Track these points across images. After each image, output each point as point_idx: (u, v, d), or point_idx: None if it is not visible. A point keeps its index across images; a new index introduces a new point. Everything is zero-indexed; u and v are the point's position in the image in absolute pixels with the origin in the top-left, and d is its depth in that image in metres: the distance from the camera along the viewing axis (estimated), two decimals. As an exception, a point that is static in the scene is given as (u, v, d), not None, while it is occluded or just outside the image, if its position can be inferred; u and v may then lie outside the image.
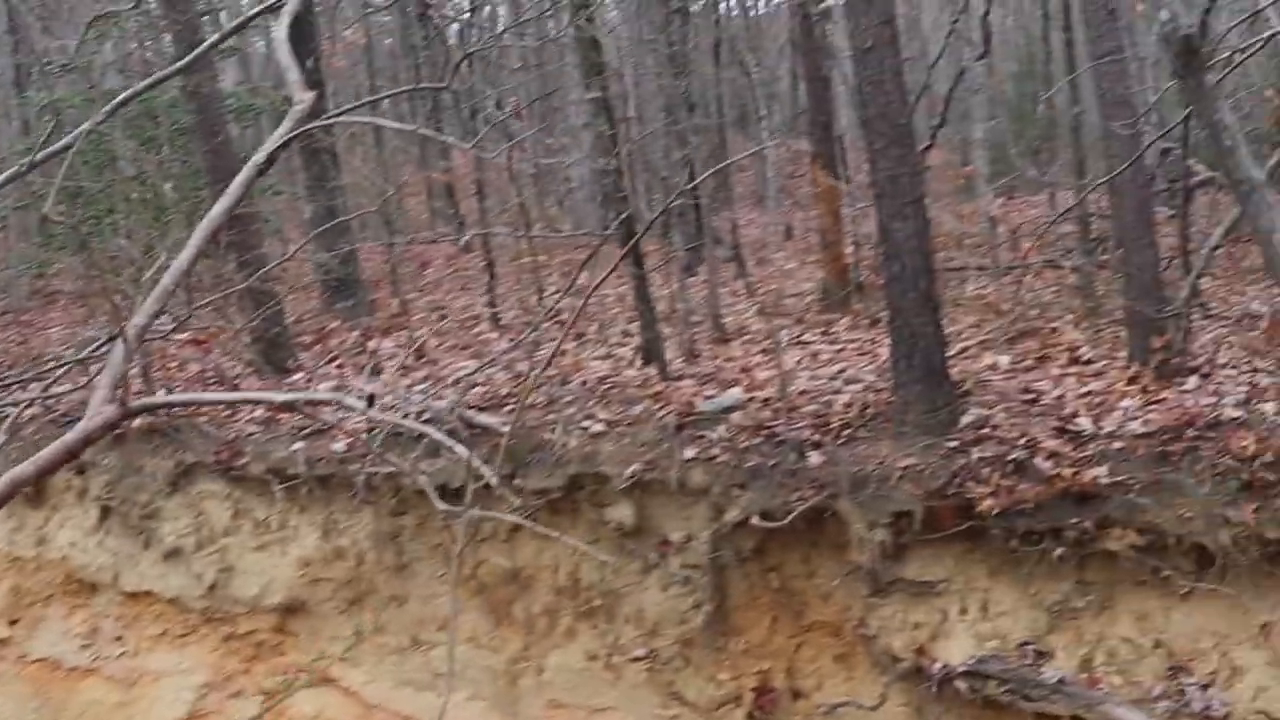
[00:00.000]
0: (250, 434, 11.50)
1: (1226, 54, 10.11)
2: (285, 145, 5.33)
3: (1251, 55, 9.32)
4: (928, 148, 15.90)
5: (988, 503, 8.57)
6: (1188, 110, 12.16)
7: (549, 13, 17.87)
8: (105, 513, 12.22)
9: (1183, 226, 12.31)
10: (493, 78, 22.92)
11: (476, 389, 11.24)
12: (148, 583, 12.00)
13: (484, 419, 10.42)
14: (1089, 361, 10.32)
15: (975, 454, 8.85)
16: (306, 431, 11.09)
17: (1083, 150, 15.19)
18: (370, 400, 5.36)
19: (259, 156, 5.14)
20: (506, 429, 10.06)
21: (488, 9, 28.25)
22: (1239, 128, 4.90)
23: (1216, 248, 9.85)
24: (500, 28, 29.68)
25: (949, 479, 8.79)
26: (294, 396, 6.47)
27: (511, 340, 12.73)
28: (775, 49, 29.83)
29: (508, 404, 10.85)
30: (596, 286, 4.91)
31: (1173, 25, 4.53)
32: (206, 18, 19.41)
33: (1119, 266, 10.59)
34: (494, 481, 5.06)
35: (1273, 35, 9.16)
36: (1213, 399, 8.95)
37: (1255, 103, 15.24)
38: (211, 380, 12.92)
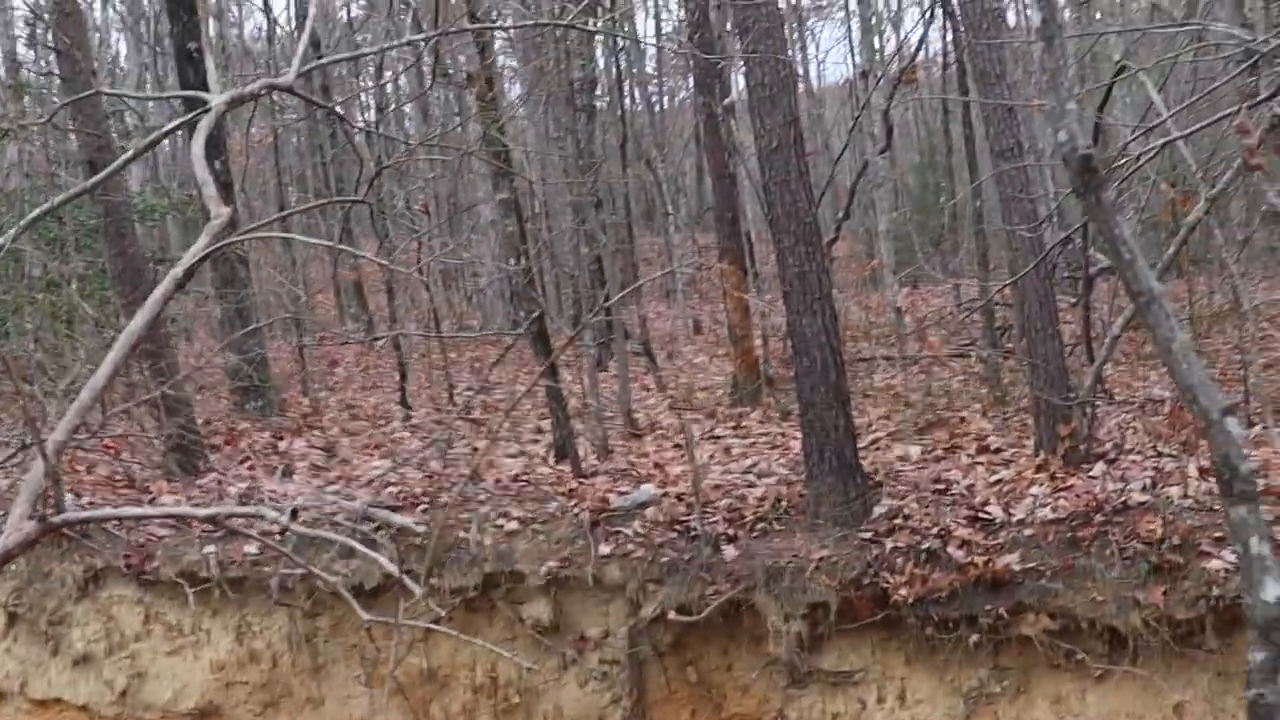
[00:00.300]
0: (161, 537, 11.34)
1: (1125, 160, 10.46)
2: (203, 259, 5.35)
3: (1149, 161, 9.60)
4: (833, 240, 16.16)
5: (903, 592, 8.67)
6: (1086, 202, 12.47)
7: (458, 125, 18.02)
8: (12, 619, 11.95)
9: (1084, 314, 12.58)
10: (402, 178, 23.03)
11: (390, 488, 11.21)
12: (57, 690, 11.72)
13: (399, 519, 10.36)
14: (998, 450, 10.50)
15: (889, 544, 8.96)
16: (218, 534, 10.95)
17: (985, 241, 15.49)
18: (294, 514, 5.36)
19: (177, 271, 5.16)
20: (422, 529, 10.04)
21: (392, 105, 28.34)
22: (1137, 240, 5.10)
23: (1118, 336, 10.07)
24: (408, 124, 29.85)
25: (864, 569, 8.88)
26: (216, 511, 6.45)
27: (424, 438, 12.71)
28: (680, 144, 30.22)
29: (422, 503, 10.81)
30: (518, 401, 4.96)
31: (1071, 145, 4.71)
32: (112, 119, 19.36)
33: (1024, 356, 10.81)
34: (419, 593, 5.08)
35: (1167, 143, 9.45)
36: (1120, 484, 9.13)
37: (1150, 194, 15.65)
38: (121, 483, 12.75)
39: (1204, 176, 10.07)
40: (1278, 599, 5.00)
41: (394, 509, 10.69)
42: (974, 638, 8.63)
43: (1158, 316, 4.85)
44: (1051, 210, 12.00)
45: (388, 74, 25.26)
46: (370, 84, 26.80)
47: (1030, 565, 8.56)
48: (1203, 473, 9.14)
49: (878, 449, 10.87)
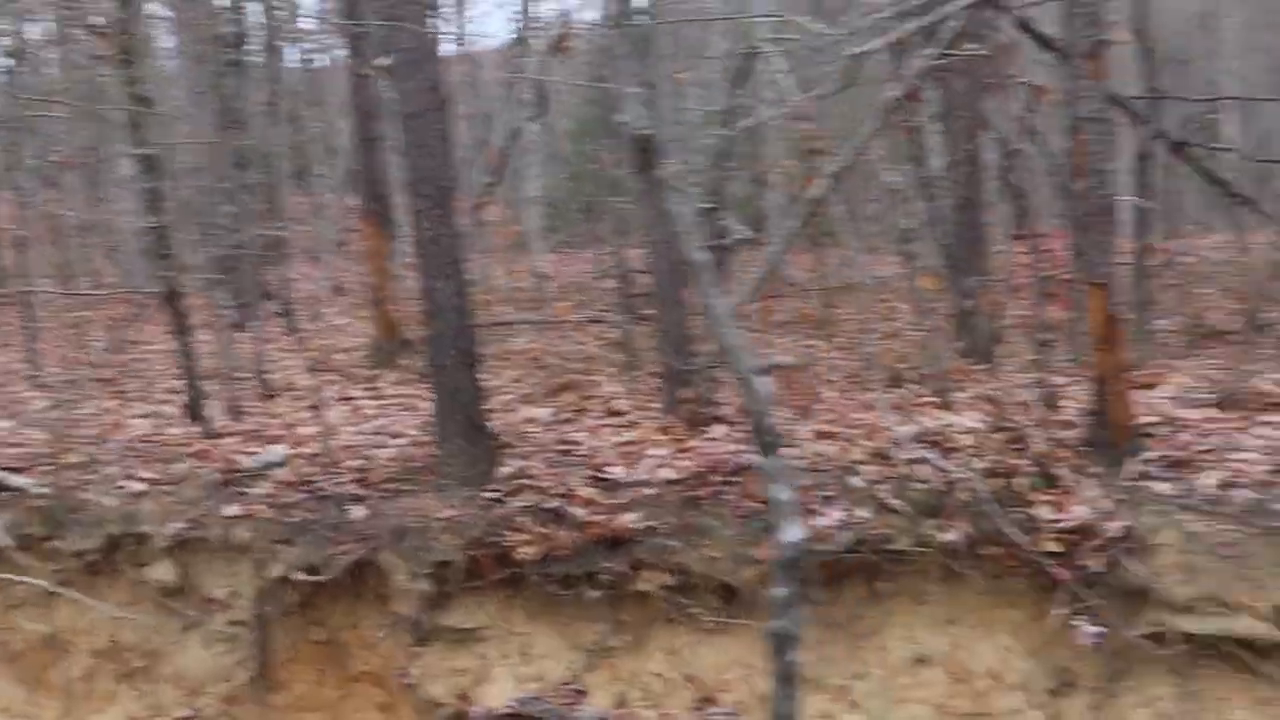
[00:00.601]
0: None
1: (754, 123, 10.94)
2: None
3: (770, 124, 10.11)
4: (482, 204, 16.35)
5: (526, 550, 8.94)
6: (723, 171, 13.02)
7: (99, 76, 17.46)
8: None
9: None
10: (33, 131, 22.11)
11: (11, 449, 10.92)
12: None
13: (19, 480, 10.17)
14: (625, 413, 10.86)
15: (514, 504, 9.20)
16: None
17: (628, 210, 15.88)
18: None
19: None
20: (44, 490, 9.89)
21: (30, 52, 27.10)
22: (688, 215, 5.54)
23: (741, 304, 10.56)
24: (52, 72, 28.62)
25: (488, 529, 9.11)
26: None
27: (51, 398, 12.39)
28: (337, 103, 29.79)
29: (45, 464, 10.57)
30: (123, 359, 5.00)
31: (631, 126, 5.08)
32: None
33: (655, 322, 11.23)
34: (4, 542, 5.09)
35: (790, 109, 9.94)
36: (737, 446, 9.60)
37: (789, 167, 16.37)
38: None
39: (828, 153, 10.62)
40: (796, 541, 5.58)
41: (14, 470, 10.45)
42: (594, 594, 8.97)
43: (704, 284, 5.32)
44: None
45: (27, 20, 24.22)
46: (6, 29, 25.61)
47: (650, 524, 8.93)
48: (817, 435, 9.74)
49: (508, 411, 11.09)
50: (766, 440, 5.66)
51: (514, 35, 22.91)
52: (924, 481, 8.90)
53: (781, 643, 5.80)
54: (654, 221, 10.64)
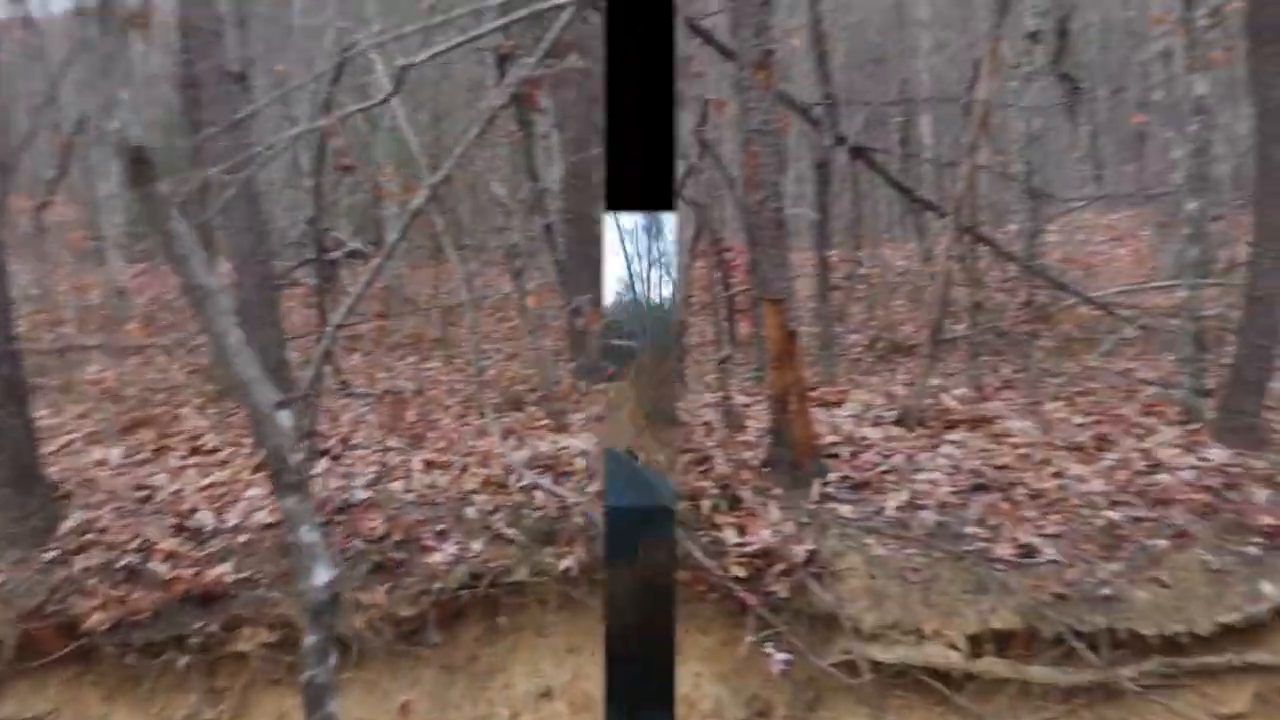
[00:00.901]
0: None
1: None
2: None
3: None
4: (46, 204, 15.24)
5: (96, 617, 8.11)
6: (317, 182, 12.40)
7: None
8: None
9: (322, 300, 12.47)
10: None
11: None
12: None
13: None
14: (214, 450, 10.21)
15: (79, 564, 8.37)
16: None
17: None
18: None
19: None
20: None
21: None
22: (191, 236, 5.27)
23: (340, 325, 10.00)
24: None
25: (48, 596, 8.24)
26: None
27: None
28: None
29: None
30: None
31: (123, 135, 4.80)
32: None
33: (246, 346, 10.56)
34: None
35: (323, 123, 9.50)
36: (344, 480, 9.12)
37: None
38: None
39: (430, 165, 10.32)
40: (326, 584, 5.57)
41: None
42: (183, 661, 8.23)
43: (213, 312, 5.24)
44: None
45: None
46: None
47: (245, 575, 8.33)
48: (428, 465, 9.36)
49: (72, 454, 10.23)
50: (288, 480, 5.59)
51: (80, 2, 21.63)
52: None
53: (316, 694, 5.63)
54: (240, 236, 10.03)
